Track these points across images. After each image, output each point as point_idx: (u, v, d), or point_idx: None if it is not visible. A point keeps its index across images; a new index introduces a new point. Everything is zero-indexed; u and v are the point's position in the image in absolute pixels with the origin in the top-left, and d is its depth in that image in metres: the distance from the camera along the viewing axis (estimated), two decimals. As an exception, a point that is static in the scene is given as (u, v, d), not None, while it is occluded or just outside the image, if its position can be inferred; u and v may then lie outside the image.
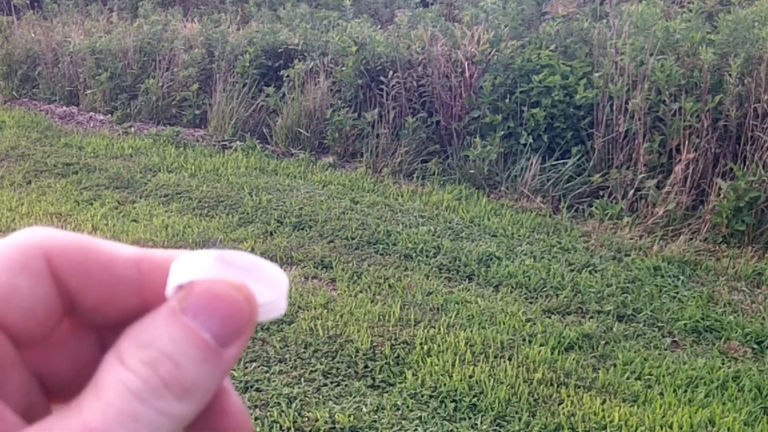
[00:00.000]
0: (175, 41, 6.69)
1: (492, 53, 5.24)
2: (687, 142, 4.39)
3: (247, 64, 6.14)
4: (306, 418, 2.45)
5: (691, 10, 4.90)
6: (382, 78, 5.43)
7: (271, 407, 2.51)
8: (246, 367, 2.74)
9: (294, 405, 2.52)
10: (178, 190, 4.67)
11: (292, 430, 2.39)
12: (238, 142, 5.80)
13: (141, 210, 4.33)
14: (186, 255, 0.31)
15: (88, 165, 5.15)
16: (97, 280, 0.31)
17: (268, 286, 0.31)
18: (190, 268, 0.30)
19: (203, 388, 0.30)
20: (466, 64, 5.22)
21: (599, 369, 2.84)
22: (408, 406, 2.54)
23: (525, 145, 4.96)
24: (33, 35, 7.58)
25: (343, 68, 5.62)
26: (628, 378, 2.78)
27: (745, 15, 4.51)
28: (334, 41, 5.87)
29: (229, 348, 0.30)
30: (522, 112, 5.02)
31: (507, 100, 5.08)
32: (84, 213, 4.25)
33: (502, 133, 5.02)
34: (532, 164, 4.84)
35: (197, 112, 6.32)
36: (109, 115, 6.60)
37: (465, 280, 3.58)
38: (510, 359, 2.86)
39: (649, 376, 2.80)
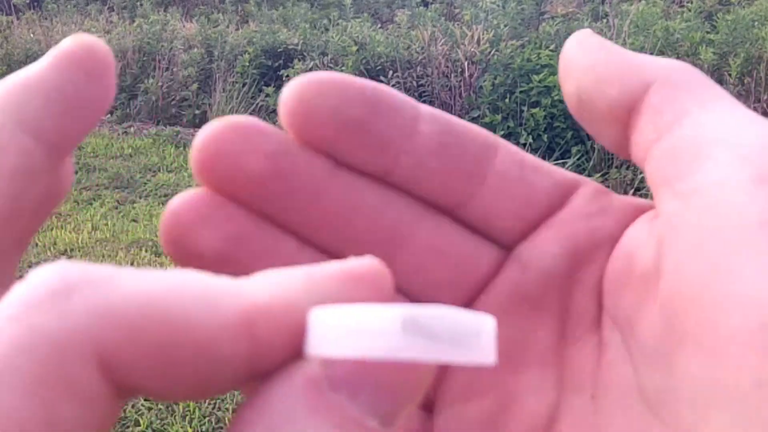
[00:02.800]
0: (174, 41, 6.69)
1: (492, 53, 5.24)
2: (687, 142, 4.39)
3: (247, 63, 6.14)
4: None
5: (690, 10, 4.90)
6: (381, 78, 5.43)
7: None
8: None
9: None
10: (178, 190, 4.66)
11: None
12: (237, 142, 5.79)
13: (141, 210, 4.33)
14: (344, 308, 0.20)
15: (87, 165, 5.14)
16: (178, 374, 0.19)
17: (468, 350, 0.21)
18: (354, 334, 0.20)
19: None
20: (466, 63, 5.22)
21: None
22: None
23: (525, 144, 4.96)
24: (32, 35, 7.58)
25: (343, 68, 5.62)
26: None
27: (744, 15, 4.51)
28: (334, 41, 5.87)
29: (398, 420, 0.20)
30: (522, 111, 5.02)
31: (507, 100, 5.08)
32: (84, 213, 4.25)
33: (502, 132, 5.02)
34: (531, 164, 4.83)
35: (197, 112, 6.31)
36: (109, 115, 6.59)
37: (465, 280, 3.57)
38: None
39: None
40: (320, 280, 0.22)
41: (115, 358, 0.18)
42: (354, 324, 0.20)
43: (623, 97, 0.28)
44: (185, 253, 0.27)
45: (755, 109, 4.66)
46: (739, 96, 4.37)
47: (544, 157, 5.16)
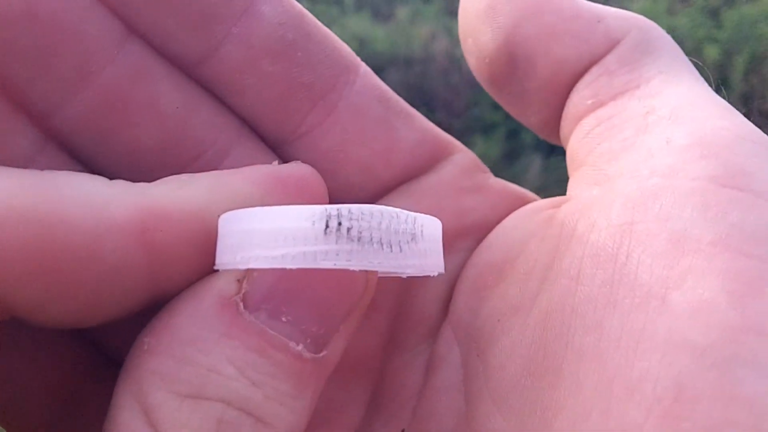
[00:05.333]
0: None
1: (493, 50, 5.21)
2: (690, 141, 4.37)
3: (246, 61, 6.12)
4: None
5: (694, 7, 4.88)
6: (382, 75, 5.40)
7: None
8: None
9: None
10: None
11: None
12: (236, 139, 5.77)
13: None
14: (257, 211, 0.17)
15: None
16: (59, 288, 0.16)
17: (405, 257, 0.18)
18: (267, 240, 0.17)
19: (299, 428, 0.18)
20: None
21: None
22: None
23: (527, 143, 4.92)
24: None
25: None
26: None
27: (750, 12, 4.48)
28: (334, 38, 5.85)
29: (330, 344, 0.18)
30: (523, 109, 4.99)
31: (508, 98, 5.05)
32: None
33: (504, 131, 4.98)
34: (534, 162, 4.80)
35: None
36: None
37: (466, 281, 3.54)
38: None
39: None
40: (233, 183, 0.19)
41: None
42: (267, 228, 0.17)
43: (581, 57, 0.21)
44: None
45: (759, 108, 4.68)
46: (744, 94, 4.34)
47: (546, 157, 5.13)
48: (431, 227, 0.19)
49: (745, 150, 0.17)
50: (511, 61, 0.22)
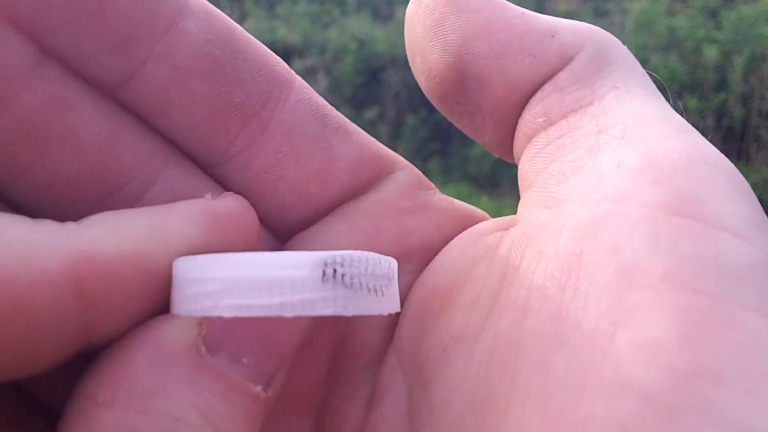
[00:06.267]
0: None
1: (493, 51, 5.21)
2: (690, 141, 4.37)
3: (246, 61, 6.12)
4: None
5: (694, 7, 4.86)
6: (382, 76, 5.38)
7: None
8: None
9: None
10: (175, 189, 4.63)
11: None
12: (236, 140, 5.77)
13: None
14: (239, 257, 0.17)
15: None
16: None
17: (381, 299, 0.18)
18: (261, 284, 0.16)
19: None
20: (467, 61, 5.20)
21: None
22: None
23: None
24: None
25: (343, 65, 5.58)
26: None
27: (748, 13, 4.47)
28: (334, 38, 5.82)
29: (276, 382, 0.18)
30: (523, 110, 4.99)
31: (508, 98, 5.05)
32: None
33: (503, 131, 4.99)
34: (533, 163, 4.81)
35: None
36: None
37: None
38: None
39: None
40: (171, 223, 0.18)
41: None
42: (259, 276, 0.16)
43: (534, 74, 0.20)
44: None
45: (758, 109, 4.68)
46: (743, 94, 4.33)
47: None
48: (395, 266, 0.19)
49: (697, 173, 0.17)
50: (462, 79, 0.21)
